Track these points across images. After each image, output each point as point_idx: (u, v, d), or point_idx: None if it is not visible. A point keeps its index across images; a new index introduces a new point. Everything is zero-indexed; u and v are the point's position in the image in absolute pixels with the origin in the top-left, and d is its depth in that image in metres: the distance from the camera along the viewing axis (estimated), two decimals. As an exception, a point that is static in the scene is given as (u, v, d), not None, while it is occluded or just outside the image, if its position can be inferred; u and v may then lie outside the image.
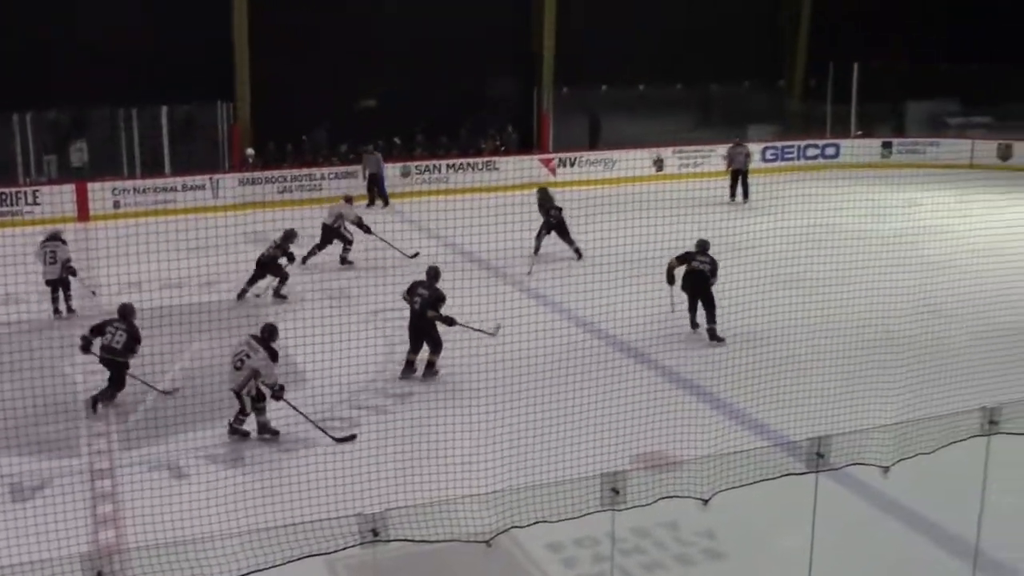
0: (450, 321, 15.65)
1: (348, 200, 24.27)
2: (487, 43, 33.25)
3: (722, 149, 32.71)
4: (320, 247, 22.78)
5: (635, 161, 30.26)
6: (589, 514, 8.10)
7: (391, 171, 30.48)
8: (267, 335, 13.80)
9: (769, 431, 13.22)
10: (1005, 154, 34.64)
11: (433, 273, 16.16)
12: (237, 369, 13.53)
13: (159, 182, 28.94)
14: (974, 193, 26.69)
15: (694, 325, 17.72)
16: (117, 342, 14.72)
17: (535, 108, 34.78)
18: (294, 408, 13.57)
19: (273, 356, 13.57)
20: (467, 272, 19.89)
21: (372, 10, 31.74)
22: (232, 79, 31.16)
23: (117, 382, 14.80)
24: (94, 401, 14.63)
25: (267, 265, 20.15)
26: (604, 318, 16.66)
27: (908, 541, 10.97)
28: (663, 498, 8.39)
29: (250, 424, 13.71)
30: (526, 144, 34.45)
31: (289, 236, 20.51)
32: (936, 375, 14.01)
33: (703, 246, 17.76)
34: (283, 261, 20.38)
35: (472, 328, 15.61)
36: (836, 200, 22.61)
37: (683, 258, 17.63)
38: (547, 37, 34.02)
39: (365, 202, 28.95)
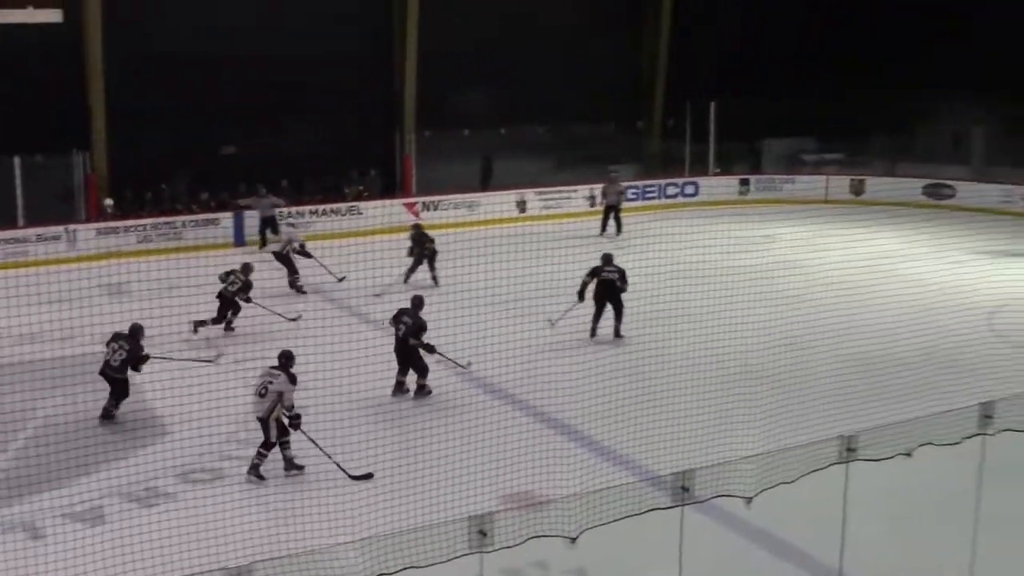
0: (431, 349, 16.49)
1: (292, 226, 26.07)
2: (349, 87, 33.12)
3: (584, 190, 33.29)
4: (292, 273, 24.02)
5: (498, 204, 30.42)
6: (457, 557, 8.05)
7: (253, 220, 30.08)
8: (285, 361, 14.16)
9: (636, 466, 13.34)
10: (858, 189, 35.76)
11: (417, 302, 17.09)
12: (262, 396, 13.83)
13: (11, 234, 28.09)
14: (829, 227, 27.60)
15: (593, 333, 19.42)
16: (115, 360, 15.72)
17: (398, 152, 34.79)
18: (312, 441, 13.64)
19: (292, 380, 13.94)
20: (331, 315, 19.82)
21: (231, 55, 31.37)
22: (88, 127, 30.49)
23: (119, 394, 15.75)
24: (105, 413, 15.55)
25: (227, 300, 20.57)
26: (468, 357, 16.75)
27: (775, 570, 11.15)
28: (532, 538, 8.38)
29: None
30: (389, 188, 34.40)
31: (247, 269, 20.97)
32: (796, 406, 14.34)
33: (608, 258, 19.67)
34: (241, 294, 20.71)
35: (447, 358, 16.75)
36: (696, 237, 23.08)
37: (593, 272, 19.38)
38: (408, 81, 34.09)
39: (257, 246, 28.97)
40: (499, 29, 34.80)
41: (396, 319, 16.80)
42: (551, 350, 17.79)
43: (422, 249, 24.21)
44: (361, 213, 31.15)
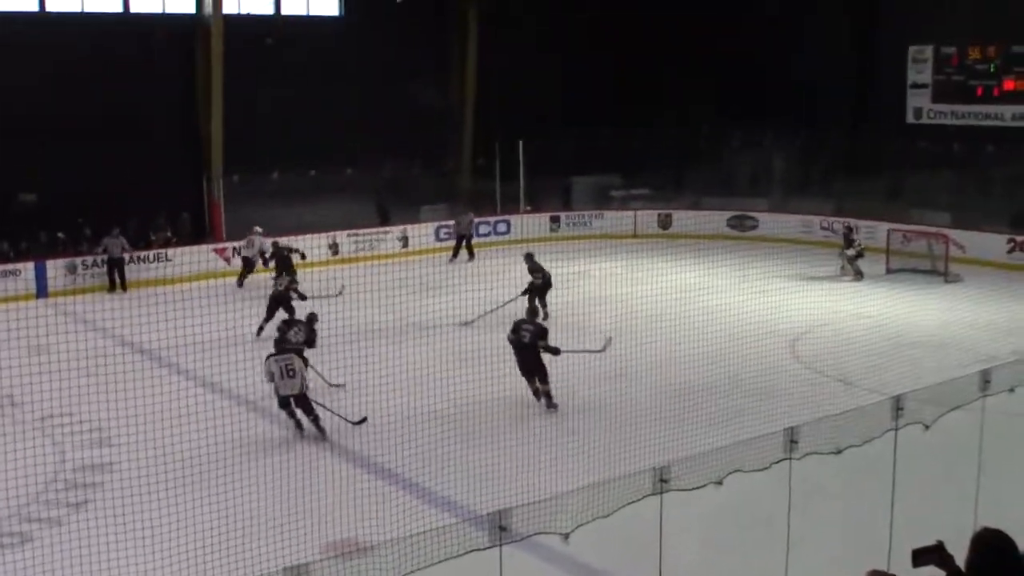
0: (556, 351, 17.51)
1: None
2: (155, 130, 32.44)
3: (397, 231, 33.46)
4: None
5: (310, 248, 30.10)
6: (276, 610, 7.89)
7: (55, 267, 29.11)
8: (310, 320, 18.33)
9: (456, 507, 13.34)
10: (665, 223, 36.72)
11: (533, 311, 19.04)
12: (291, 376, 16.13)
13: None
14: (639, 261, 28.22)
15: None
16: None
17: (205, 197, 34.15)
18: (320, 404, 16.28)
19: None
20: (136, 366, 19.26)
21: (27, 99, 30.37)
22: None
23: None
24: None
25: (279, 300, 22.89)
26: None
27: (597, 604, 11.28)
28: (352, 586, 8.27)
29: None
30: (199, 234, 33.72)
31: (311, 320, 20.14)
32: (612, 438, 14.59)
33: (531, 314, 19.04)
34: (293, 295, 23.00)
35: (580, 350, 18.16)
36: (508, 275, 23.33)
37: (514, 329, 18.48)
38: (215, 124, 33.53)
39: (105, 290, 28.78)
40: (306, 70, 34.60)
41: (516, 331, 17.79)
42: (367, 394, 17.65)
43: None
44: (170, 260, 30.42)
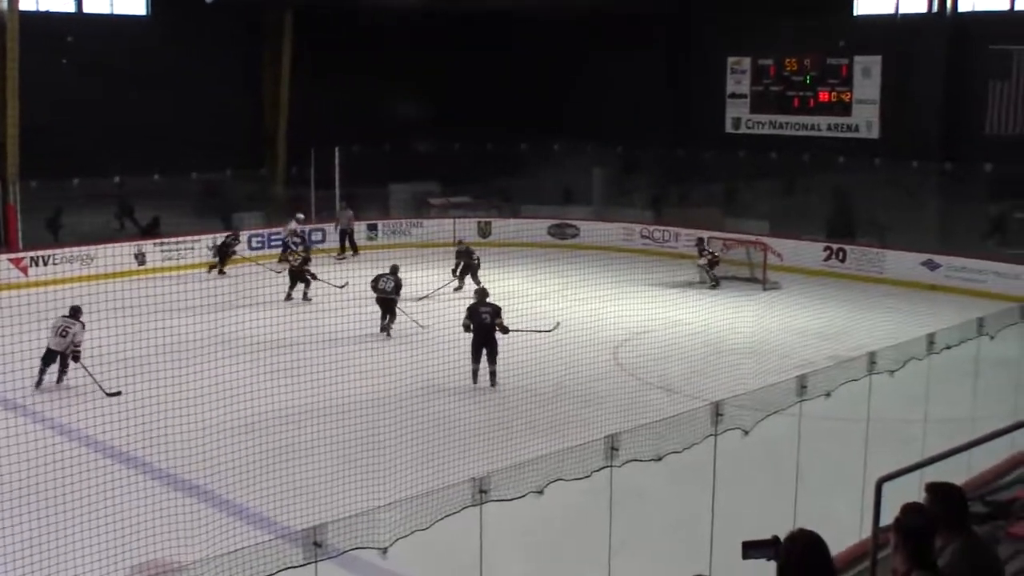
0: (506, 330, 19.94)
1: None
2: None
3: (207, 239, 32.78)
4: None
5: (114, 256, 29.23)
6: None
7: None
8: (75, 313, 19.90)
9: (270, 523, 13.13)
10: (485, 231, 36.93)
11: (484, 293, 21.38)
12: (63, 336, 19.64)
13: None
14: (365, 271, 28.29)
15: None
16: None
17: (0, 203, 32.83)
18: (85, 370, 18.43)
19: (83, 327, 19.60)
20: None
21: None
22: None
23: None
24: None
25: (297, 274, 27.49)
26: (86, 425, 16.01)
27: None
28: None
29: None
30: (-8, 243, 32.41)
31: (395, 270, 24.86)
32: (431, 450, 14.57)
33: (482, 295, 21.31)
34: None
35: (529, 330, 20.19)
36: (329, 283, 23.06)
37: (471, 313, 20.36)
38: (11, 126, 32.19)
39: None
40: (111, 72, 33.63)
41: (473, 314, 20.03)
42: (172, 409, 17.23)
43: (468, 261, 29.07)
44: (-43, 270, 29.14)
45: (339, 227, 35.75)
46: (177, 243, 33.32)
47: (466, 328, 20.27)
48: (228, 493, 14.23)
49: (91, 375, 18.92)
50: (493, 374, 19.87)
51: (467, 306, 20.58)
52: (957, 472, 10.19)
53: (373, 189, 38.23)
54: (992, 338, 15.17)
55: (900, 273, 31.22)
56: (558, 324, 21.05)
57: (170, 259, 32.72)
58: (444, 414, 17.07)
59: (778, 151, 35.90)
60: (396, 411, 17.22)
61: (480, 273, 28.64)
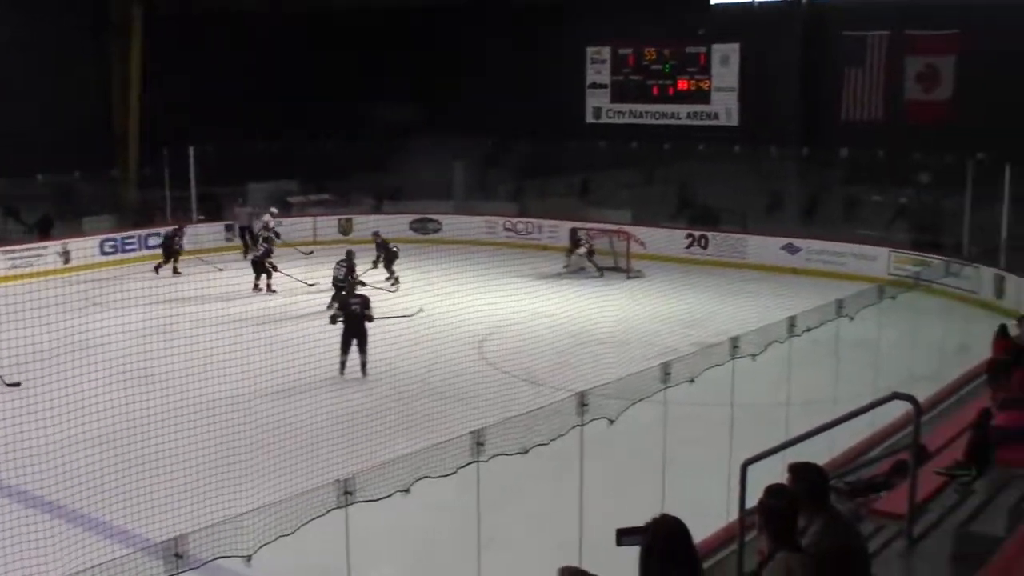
0: (371, 318, 20.35)
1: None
2: None
3: (56, 245, 31.95)
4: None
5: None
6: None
7: None
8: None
9: (129, 537, 12.82)
10: (346, 228, 36.67)
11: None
12: None
13: None
14: (321, 268, 28.04)
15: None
16: None
17: None
18: None
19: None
20: None
21: None
22: None
23: None
24: None
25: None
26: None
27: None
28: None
29: None
30: None
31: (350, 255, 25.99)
32: (293, 454, 14.39)
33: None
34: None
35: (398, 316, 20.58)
36: (182, 289, 22.68)
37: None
38: None
39: None
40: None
41: (344, 305, 20.71)
42: (18, 422, 16.69)
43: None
44: None
45: (239, 224, 35.52)
46: (25, 250, 32.30)
47: (333, 320, 20.69)
48: (83, 507, 13.84)
49: None
50: (364, 364, 20.17)
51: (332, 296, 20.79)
52: (820, 452, 10.41)
53: (231, 189, 37.62)
54: (851, 319, 15.56)
55: (762, 258, 31.89)
56: (421, 309, 21.72)
57: (16, 267, 31.64)
58: (306, 414, 16.85)
59: (639, 140, 36.32)
60: (255, 413, 16.96)
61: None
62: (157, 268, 31.56)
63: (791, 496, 6.16)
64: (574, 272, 30.87)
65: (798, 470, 6.54)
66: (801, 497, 6.29)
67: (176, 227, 33.09)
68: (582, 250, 31.26)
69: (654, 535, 5.54)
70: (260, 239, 31.00)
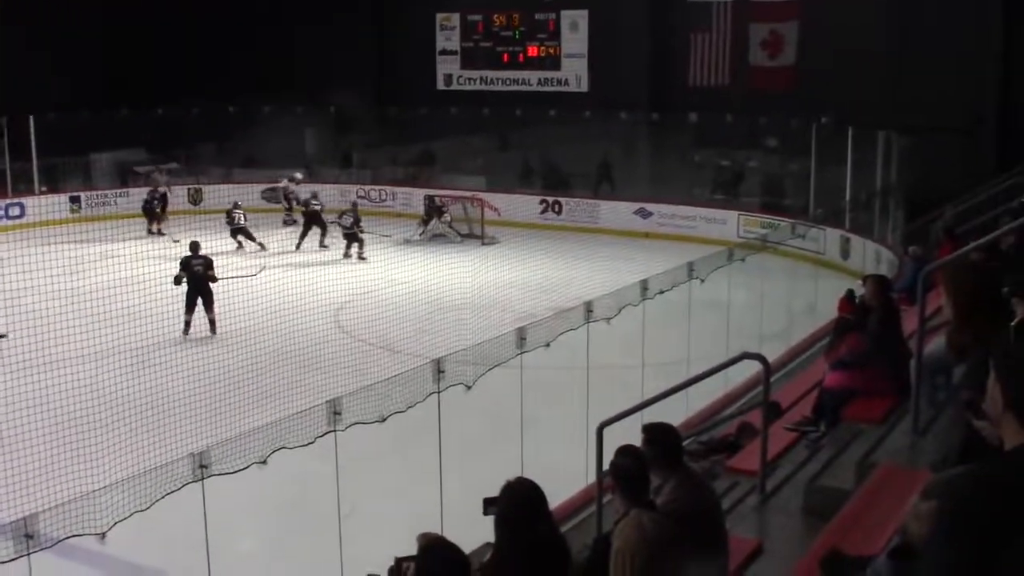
0: (214, 279, 20.91)
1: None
2: None
3: None
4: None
5: None
6: None
7: None
8: None
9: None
10: (195, 198, 35.95)
11: (197, 246, 21.54)
12: None
13: None
14: (169, 240, 27.53)
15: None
16: None
17: None
18: None
19: None
20: None
21: None
22: None
23: None
24: None
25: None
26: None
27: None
28: None
29: None
30: None
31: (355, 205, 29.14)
32: (145, 428, 14.14)
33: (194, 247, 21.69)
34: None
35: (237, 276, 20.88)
36: (26, 262, 21.92)
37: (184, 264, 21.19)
38: None
39: None
40: None
41: (186, 266, 21.00)
42: None
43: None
44: None
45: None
46: None
47: (177, 281, 21.07)
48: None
49: None
50: (212, 322, 20.88)
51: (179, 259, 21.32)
52: (676, 413, 10.65)
53: (73, 158, 36.57)
54: (703, 281, 15.88)
55: (615, 223, 32.22)
56: (263, 268, 22.20)
57: None
58: (157, 386, 16.54)
59: (490, 107, 36.33)
60: (104, 385, 16.54)
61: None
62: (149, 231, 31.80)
63: (640, 455, 6.27)
64: (429, 240, 30.82)
65: (651, 430, 6.65)
66: (655, 457, 6.40)
67: (152, 188, 33.59)
68: (447, 217, 31.22)
69: (507, 499, 5.58)
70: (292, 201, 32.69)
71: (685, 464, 6.82)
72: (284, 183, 34.06)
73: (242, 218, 30.06)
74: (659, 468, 6.43)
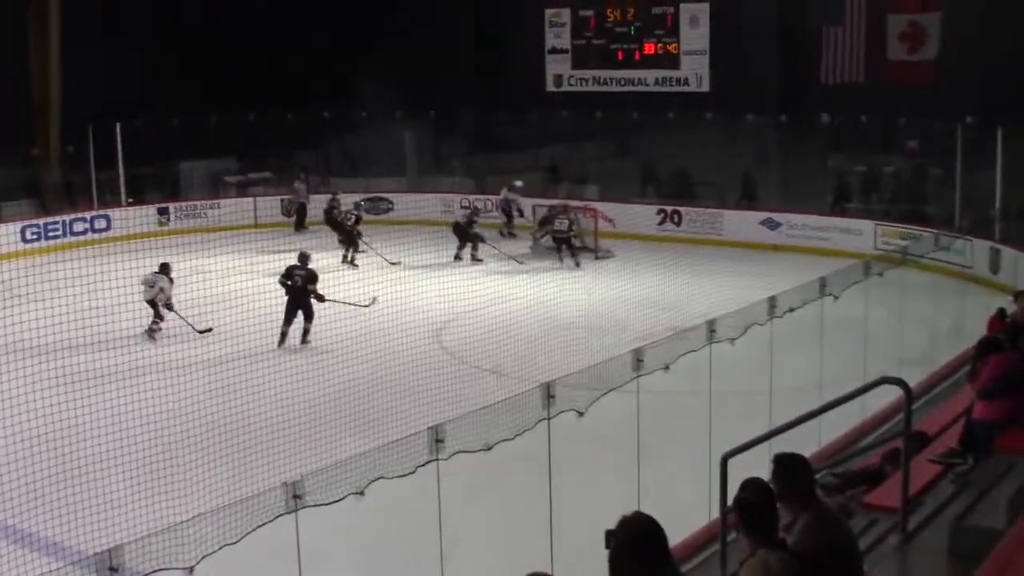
0: (321, 298, 21.60)
1: None
2: None
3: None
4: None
5: None
6: None
7: None
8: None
9: (60, 550, 12.73)
10: (289, 210, 36.41)
11: (305, 257, 22.56)
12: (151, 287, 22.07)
13: None
14: (263, 254, 27.95)
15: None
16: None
17: None
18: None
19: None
20: None
21: None
22: None
23: None
24: None
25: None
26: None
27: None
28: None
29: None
30: None
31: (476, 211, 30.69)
32: (237, 456, 14.32)
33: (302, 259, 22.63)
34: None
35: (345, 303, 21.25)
36: (113, 278, 22.43)
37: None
38: None
39: None
40: None
41: (288, 275, 21.87)
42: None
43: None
44: None
45: (298, 200, 35.59)
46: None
47: (283, 284, 22.09)
48: (9, 519, 13.73)
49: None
50: (306, 331, 21.73)
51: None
52: (807, 443, 10.48)
53: (162, 168, 37.34)
54: (836, 298, 15.64)
55: (739, 234, 31.99)
56: (375, 299, 21.71)
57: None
58: (248, 409, 16.76)
59: (604, 109, 36.30)
60: (196, 411, 16.85)
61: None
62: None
63: (766, 489, 6.18)
64: (540, 253, 30.78)
65: (781, 461, 6.56)
66: (785, 491, 6.31)
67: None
68: (563, 224, 31.06)
69: (622, 535, 5.49)
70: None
71: (819, 499, 6.71)
72: (504, 193, 34.24)
73: (353, 220, 30.75)
74: (790, 503, 6.34)
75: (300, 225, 35.04)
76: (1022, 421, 9.54)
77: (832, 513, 6.87)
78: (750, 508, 6.08)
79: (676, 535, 9.90)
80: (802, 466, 6.62)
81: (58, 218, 34.06)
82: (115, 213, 35.03)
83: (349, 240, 30.13)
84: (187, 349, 17.75)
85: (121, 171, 35.81)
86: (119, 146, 35.31)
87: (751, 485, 6.19)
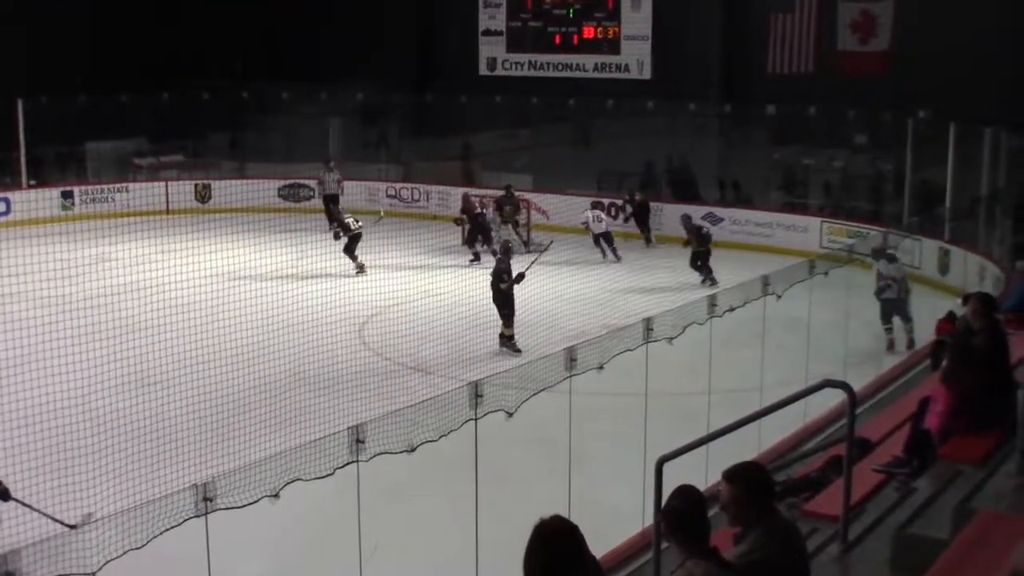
0: (520, 277, 21.59)
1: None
2: None
3: None
4: None
5: None
6: None
7: None
8: None
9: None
10: (204, 195, 36.19)
11: (504, 248, 22.98)
12: None
13: None
14: (173, 241, 27.72)
15: None
16: None
17: None
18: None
19: None
20: None
21: None
22: None
23: None
24: None
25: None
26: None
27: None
28: None
29: None
30: None
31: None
32: (143, 455, 14.21)
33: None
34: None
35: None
36: (11, 265, 22.20)
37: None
38: None
39: None
40: None
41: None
42: None
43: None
44: None
45: (325, 192, 34.48)
46: None
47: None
48: None
49: None
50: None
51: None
52: (746, 448, 10.58)
53: (67, 148, 36.92)
54: (779, 298, 15.77)
55: (679, 228, 32.08)
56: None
57: None
58: (157, 408, 16.66)
59: (539, 95, 36.32)
60: (98, 408, 16.68)
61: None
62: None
63: (697, 497, 6.22)
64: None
65: (738, 470, 6.56)
66: (744, 502, 6.34)
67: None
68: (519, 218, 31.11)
69: (536, 540, 5.49)
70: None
71: (778, 511, 6.75)
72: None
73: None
74: (748, 513, 6.38)
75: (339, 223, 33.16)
76: (968, 428, 9.67)
77: (789, 525, 6.85)
78: (679, 517, 6.13)
79: (608, 542, 10.00)
80: (760, 473, 6.68)
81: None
82: (15, 196, 34.56)
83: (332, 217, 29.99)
84: (89, 341, 17.51)
85: (23, 151, 35.33)
86: (20, 125, 34.86)
87: (681, 493, 6.24)
